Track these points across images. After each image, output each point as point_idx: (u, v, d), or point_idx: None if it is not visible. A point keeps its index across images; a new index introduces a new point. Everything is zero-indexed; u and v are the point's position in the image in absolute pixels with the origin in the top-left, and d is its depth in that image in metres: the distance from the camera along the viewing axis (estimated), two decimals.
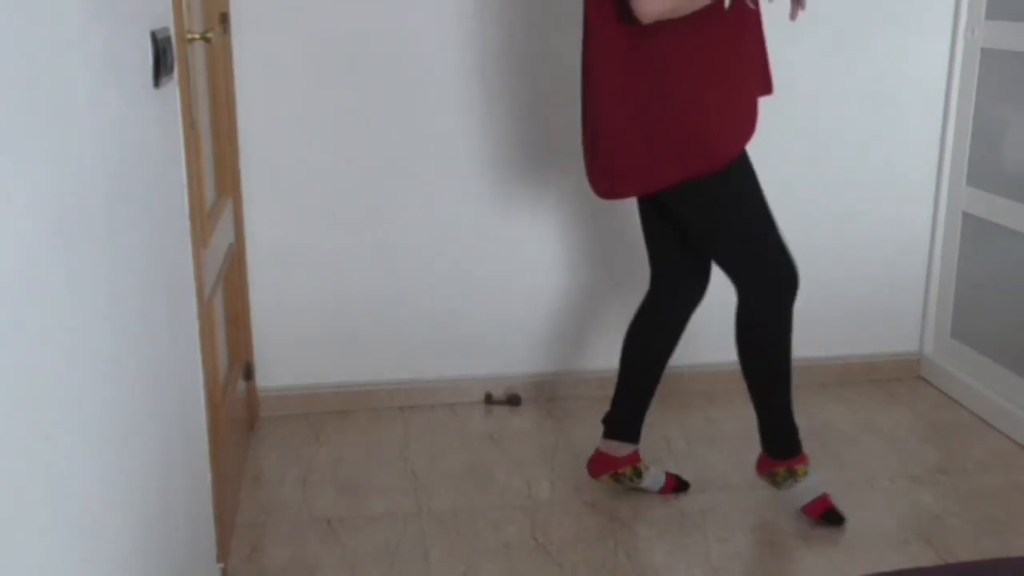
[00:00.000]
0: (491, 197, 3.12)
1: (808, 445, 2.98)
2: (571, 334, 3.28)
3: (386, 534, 2.51)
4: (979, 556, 2.41)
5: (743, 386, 3.43)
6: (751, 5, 2.29)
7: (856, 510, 2.62)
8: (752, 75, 2.35)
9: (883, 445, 2.98)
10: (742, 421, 3.10)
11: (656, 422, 3.00)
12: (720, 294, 3.29)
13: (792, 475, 2.54)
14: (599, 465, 2.67)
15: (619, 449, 2.64)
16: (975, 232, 3.23)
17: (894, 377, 3.44)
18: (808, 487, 2.55)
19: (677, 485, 2.70)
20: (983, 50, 3.14)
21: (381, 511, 2.62)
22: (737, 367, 3.26)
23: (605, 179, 2.40)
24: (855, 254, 3.36)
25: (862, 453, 2.93)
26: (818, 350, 3.40)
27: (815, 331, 3.39)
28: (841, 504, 2.64)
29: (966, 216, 3.25)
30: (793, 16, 2.40)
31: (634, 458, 2.65)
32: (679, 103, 2.25)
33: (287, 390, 3.16)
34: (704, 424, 3.10)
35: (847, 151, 3.30)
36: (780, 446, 2.55)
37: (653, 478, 2.68)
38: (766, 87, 2.40)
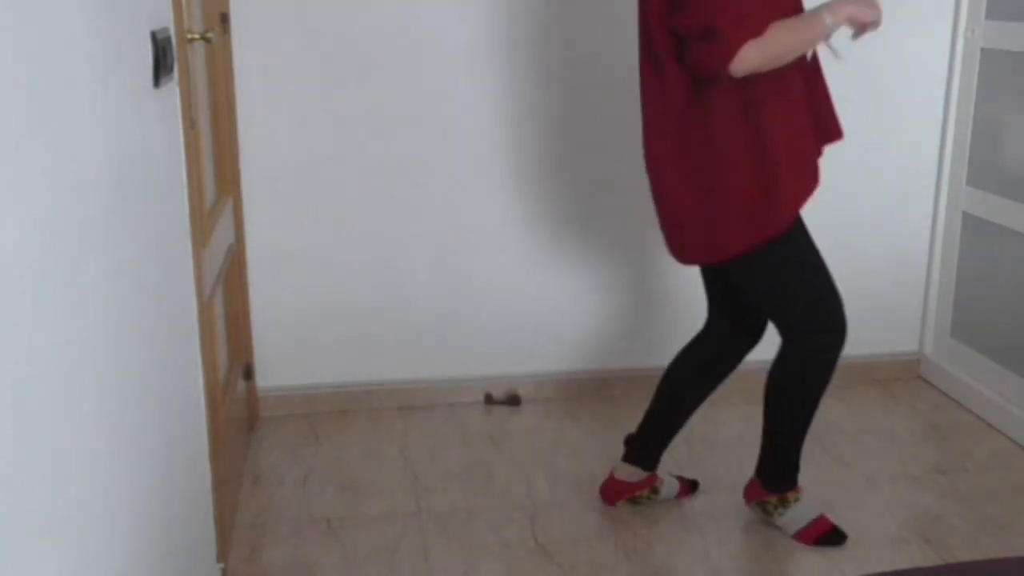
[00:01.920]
0: (491, 197, 3.12)
1: (808, 445, 2.98)
2: (571, 334, 3.28)
3: (386, 534, 2.51)
4: (979, 556, 2.41)
5: (743, 387, 3.43)
6: (834, 58, 2.19)
7: (856, 510, 2.62)
8: (813, 125, 2.26)
9: (883, 445, 2.98)
10: (742, 422, 3.11)
11: None
12: None
13: (783, 503, 2.49)
14: (615, 491, 2.62)
15: (635, 475, 2.60)
16: (975, 232, 3.23)
17: (894, 377, 3.44)
18: (801, 512, 2.49)
19: (690, 488, 2.69)
20: (983, 50, 3.14)
21: (381, 511, 2.62)
22: (739, 370, 3.25)
23: (671, 245, 2.31)
24: (855, 254, 3.36)
25: (862, 453, 2.93)
26: None
27: None
28: (841, 504, 2.64)
29: (966, 216, 3.25)
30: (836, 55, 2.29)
31: (651, 481, 2.62)
32: (739, 164, 2.15)
33: (287, 390, 3.16)
34: (704, 425, 3.09)
35: (847, 151, 3.28)
36: (778, 480, 2.49)
37: (668, 489, 2.64)
38: (836, 132, 2.32)
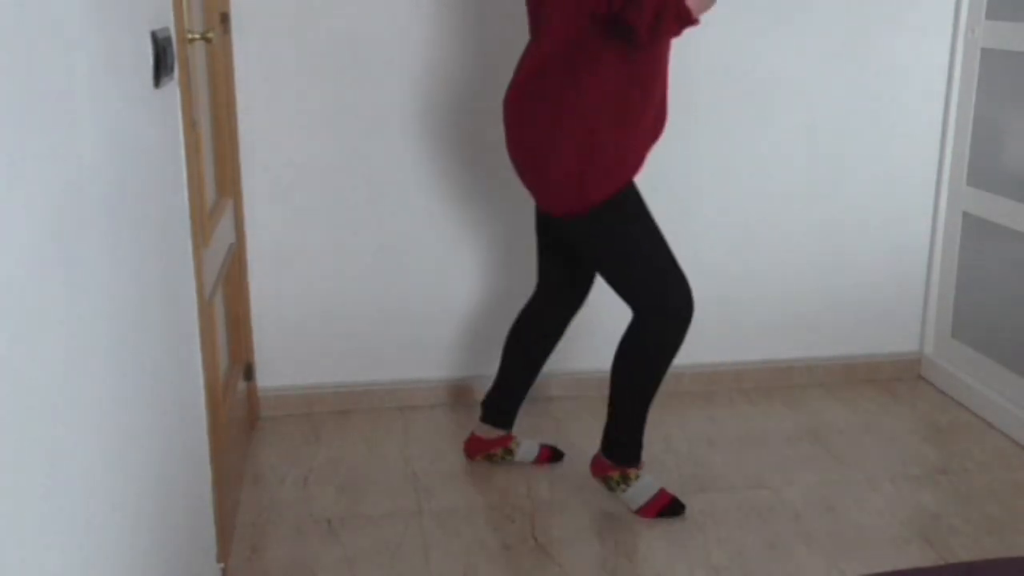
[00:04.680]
0: (492, 197, 3.12)
1: (809, 445, 2.99)
2: (571, 334, 3.27)
3: (386, 534, 2.51)
4: (979, 556, 2.41)
5: (743, 386, 3.43)
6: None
7: (856, 510, 2.62)
8: (650, 119, 2.38)
9: (883, 445, 2.98)
10: (742, 421, 3.11)
11: (656, 422, 3.00)
12: (717, 294, 3.30)
13: (625, 479, 2.59)
14: (474, 447, 2.84)
15: (491, 432, 2.81)
16: (975, 232, 3.23)
17: (894, 377, 3.44)
18: (641, 489, 2.59)
19: (552, 455, 2.85)
20: (983, 50, 3.14)
21: (381, 511, 2.62)
22: (736, 368, 3.27)
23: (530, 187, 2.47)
24: (855, 254, 3.36)
25: (862, 453, 2.93)
26: (818, 350, 3.41)
27: (815, 331, 3.39)
28: (841, 504, 2.64)
29: (966, 216, 3.25)
30: None
31: (505, 440, 2.82)
32: (577, 136, 2.30)
33: (287, 390, 3.16)
34: (704, 424, 3.10)
35: (847, 151, 3.30)
36: (623, 453, 2.59)
37: (526, 450, 2.84)
38: (657, 132, 2.43)
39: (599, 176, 2.33)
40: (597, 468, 2.63)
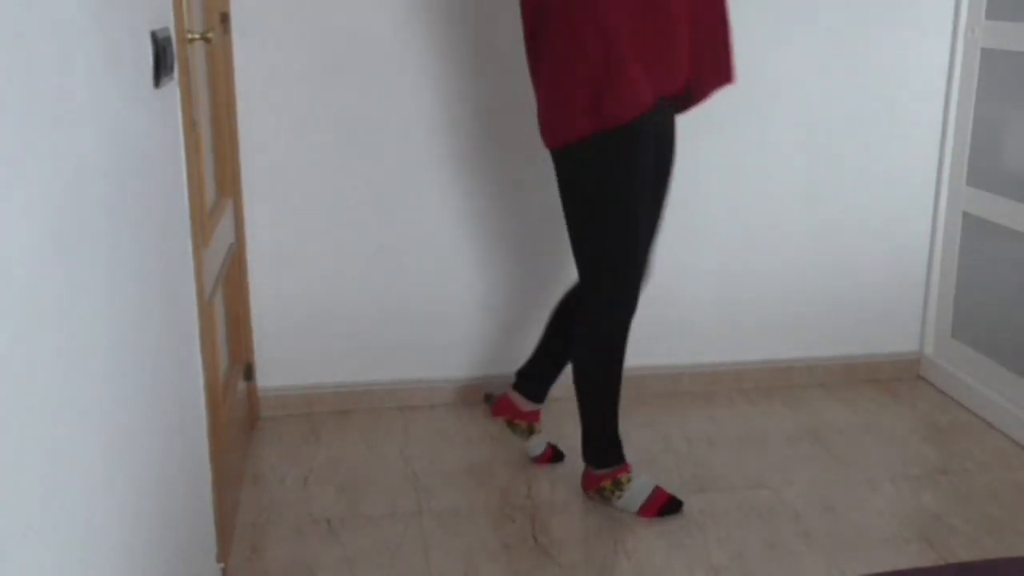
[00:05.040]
0: (492, 198, 3.12)
1: (809, 445, 2.99)
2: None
3: (386, 534, 2.51)
4: (979, 556, 2.41)
5: (743, 386, 3.43)
6: None
7: (856, 510, 2.62)
8: (651, 60, 2.31)
9: (883, 445, 2.98)
10: (742, 421, 3.11)
11: (656, 422, 3.00)
12: (717, 294, 3.30)
13: (617, 485, 2.58)
14: (504, 407, 2.79)
15: (525, 404, 2.77)
16: (975, 232, 3.23)
17: (894, 377, 3.44)
18: (636, 491, 2.59)
19: (553, 455, 2.82)
20: (983, 50, 3.14)
21: (381, 511, 2.62)
22: (736, 368, 3.27)
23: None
24: (855, 254, 3.36)
25: (862, 453, 2.93)
26: (818, 350, 3.41)
27: (815, 331, 3.39)
28: (841, 504, 2.64)
29: (966, 216, 3.25)
30: None
31: (535, 415, 2.78)
32: (553, 61, 2.30)
33: (287, 390, 3.16)
34: (704, 424, 3.10)
35: (847, 151, 3.30)
36: (603, 455, 2.59)
37: (537, 442, 2.81)
38: (667, 80, 2.35)
39: (573, 109, 2.30)
40: (589, 482, 2.63)
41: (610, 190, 2.37)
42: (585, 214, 2.41)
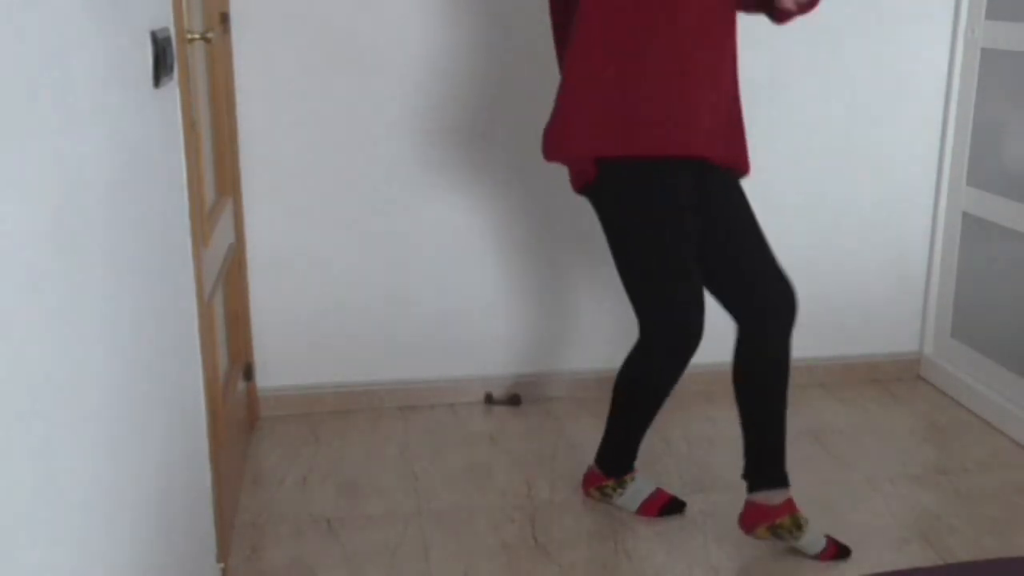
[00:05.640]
0: (492, 198, 3.12)
1: (809, 445, 2.99)
2: (571, 334, 3.28)
3: (386, 534, 2.51)
4: (979, 556, 2.41)
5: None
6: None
7: (856, 510, 2.62)
8: (658, 78, 2.24)
9: (883, 445, 2.98)
10: None
11: (656, 422, 2.99)
12: None
13: (621, 484, 2.59)
14: (753, 516, 2.40)
15: (773, 497, 2.39)
16: (975, 232, 3.23)
17: (894, 377, 3.44)
18: (637, 490, 2.59)
19: (838, 551, 2.39)
20: (983, 50, 3.14)
21: (381, 511, 2.61)
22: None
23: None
24: (855, 254, 3.36)
25: (862, 453, 2.93)
26: (818, 350, 3.40)
27: (815, 331, 3.39)
28: (841, 504, 2.64)
29: (966, 216, 3.25)
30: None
31: (788, 505, 2.38)
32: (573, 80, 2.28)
33: (287, 390, 3.16)
34: (704, 424, 3.09)
35: (847, 151, 3.30)
36: (616, 464, 2.59)
37: (814, 538, 2.39)
38: (683, 144, 2.24)
39: (572, 128, 2.29)
40: (591, 480, 2.62)
41: (633, 218, 2.30)
42: (613, 246, 2.36)
